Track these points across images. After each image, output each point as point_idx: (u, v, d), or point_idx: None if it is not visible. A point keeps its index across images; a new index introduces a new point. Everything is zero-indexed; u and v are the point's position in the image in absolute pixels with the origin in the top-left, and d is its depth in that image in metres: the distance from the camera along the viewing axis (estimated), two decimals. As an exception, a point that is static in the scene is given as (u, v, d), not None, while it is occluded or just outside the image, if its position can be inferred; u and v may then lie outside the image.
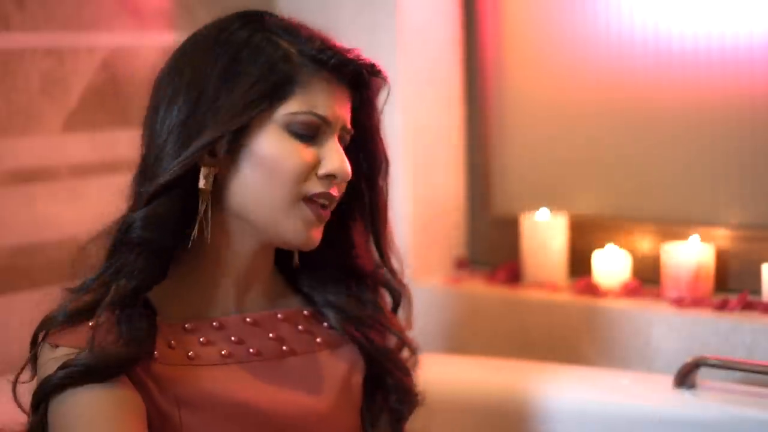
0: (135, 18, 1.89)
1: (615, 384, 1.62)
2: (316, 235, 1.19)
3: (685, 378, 1.52)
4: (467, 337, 1.92)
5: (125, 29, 1.88)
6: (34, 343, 1.15)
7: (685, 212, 1.85)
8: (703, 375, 1.53)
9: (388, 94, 1.26)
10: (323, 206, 1.18)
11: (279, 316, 1.26)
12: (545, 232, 1.90)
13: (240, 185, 1.17)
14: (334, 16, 1.93)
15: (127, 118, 1.84)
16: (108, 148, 1.85)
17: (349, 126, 1.20)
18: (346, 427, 1.27)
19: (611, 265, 1.83)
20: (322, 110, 1.15)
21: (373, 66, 1.20)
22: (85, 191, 1.81)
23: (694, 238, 1.76)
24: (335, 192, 1.18)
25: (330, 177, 1.17)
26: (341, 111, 1.18)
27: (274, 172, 1.15)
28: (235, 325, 1.22)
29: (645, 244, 1.88)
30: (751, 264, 1.75)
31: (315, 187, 1.16)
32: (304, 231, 1.17)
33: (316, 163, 1.16)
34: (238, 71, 1.14)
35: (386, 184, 1.29)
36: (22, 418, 1.16)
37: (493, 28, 2.05)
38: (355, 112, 1.22)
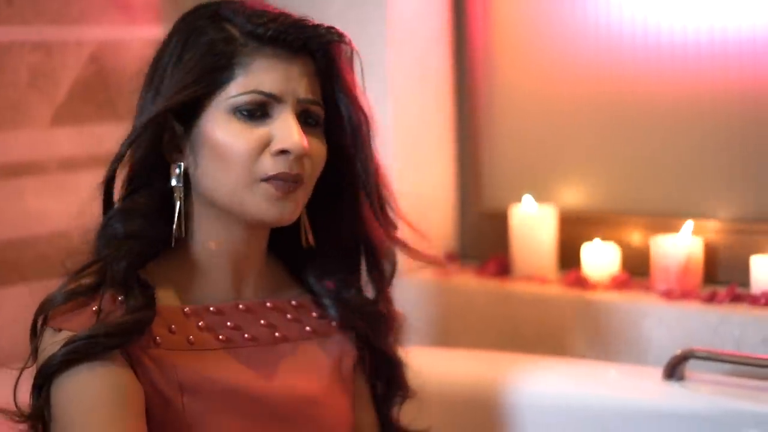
0: (123, 12, 1.89)
1: (604, 376, 1.63)
2: (288, 209, 1.17)
3: (674, 370, 1.52)
4: (457, 331, 1.92)
5: (113, 23, 1.88)
6: (34, 330, 1.15)
7: (674, 205, 1.86)
8: (692, 367, 1.53)
9: (355, 57, 1.23)
10: (287, 181, 1.16)
11: (268, 304, 1.28)
12: (534, 225, 1.91)
13: (203, 175, 1.18)
14: (324, 9, 1.93)
15: (116, 112, 1.84)
16: (97, 142, 1.85)
17: (311, 96, 1.18)
18: (339, 412, 1.28)
19: (600, 257, 1.84)
20: (268, 87, 1.15)
21: (326, 31, 1.18)
22: (74, 185, 1.80)
23: (688, 224, 1.76)
24: (295, 170, 1.16)
25: (284, 153, 1.15)
26: (294, 84, 1.16)
27: (225, 157, 1.15)
28: (230, 311, 1.24)
29: (634, 236, 1.88)
30: (739, 256, 1.75)
31: (270, 167, 1.15)
32: (270, 208, 1.16)
33: (268, 141, 1.15)
34: (183, 57, 1.16)
35: (373, 144, 1.27)
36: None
37: (483, 21, 2.05)
38: (326, 80, 1.21)
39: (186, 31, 1.18)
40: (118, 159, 1.17)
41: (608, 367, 1.67)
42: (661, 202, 1.88)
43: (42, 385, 1.11)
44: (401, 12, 1.96)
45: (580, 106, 1.97)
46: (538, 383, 1.60)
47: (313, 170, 1.19)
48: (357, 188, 1.28)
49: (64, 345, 1.09)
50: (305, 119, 1.18)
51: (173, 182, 1.19)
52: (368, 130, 1.26)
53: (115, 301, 1.13)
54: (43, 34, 1.78)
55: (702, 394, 1.50)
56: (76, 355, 1.09)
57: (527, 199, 1.93)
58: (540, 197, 1.95)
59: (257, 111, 1.15)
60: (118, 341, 1.11)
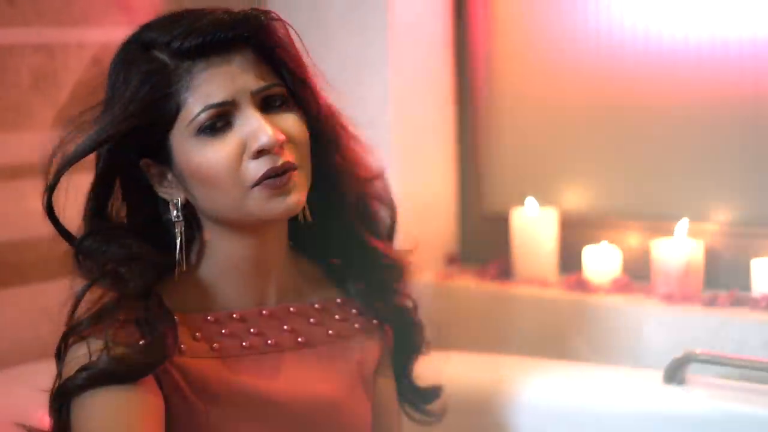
0: (125, 13, 1.89)
1: (605, 380, 1.62)
2: (292, 199, 1.14)
3: (674, 373, 1.52)
4: (458, 333, 1.92)
5: (115, 25, 1.88)
6: (59, 354, 1.15)
7: (675, 208, 1.86)
8: (692, 370, 1.53)
9: (288, 26, 1.18)
10: (278, 175, 1.13)
11: (291, 309, 1.27)
12: (536, 228, 1.91)
13: (201, 201, 1.17)
14: (324, 14, 1.93)
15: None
16: (98, 144, 1.85)
17: (263, 82, 1.14)
18: (360, 415, 1.28)
19: (601, 261, 1.84)
20: (217, 97, 1.11)
21: (250, 17, 1.14)
22: (75, 187, 1.80)
23: (683, 222, 1.76)
24: (280, 161, 1.13)
25: (262, 152, 1.12)
26: (241, 81, 1.12)
27: (210, 179, 1.13)
28: (253, 318, 1.23)
29: (635, 240, 1.88)
30: (740, 260, 1.76)
31: (255, 172, 1.12)
32: (274, 205, 1.14)
33: (243, 146, 1.12)
34: (123, 95, 1.14)
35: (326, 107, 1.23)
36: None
37: (484, 24, 2.05)
38: (271, 61, 1.17)
39: (120, 69, 1.15)
40: (56, 174, 1.16)
41: (609, 371, 1.67)
42: (661, 205, 1.88)
43: (61, 405, 1.11)
44: (402, 15, 1.96)
45: (580, 109, 1.97)
46: (539, 386, 1.60)
47: (300, 150, 1.16)
48: (335, 154, 1.26)
49: (81, 369, 1.09)
50: (269, 106, 1.14)
51: (173, 217, 1.18)
52: (312, 92, 1.21)
53: (134, 315, 1.13)
54: (44, 36, 1.78)
55: (702, 397, 1.50)
56: (92, 382, 1.08)
57: (530, 201, 1.93)
58: (541, 200, 1.95)
59: (218, 123, 1.12)
60: (135, 376, 1.10)
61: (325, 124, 1.24)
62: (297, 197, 1.15)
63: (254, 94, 1.13)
